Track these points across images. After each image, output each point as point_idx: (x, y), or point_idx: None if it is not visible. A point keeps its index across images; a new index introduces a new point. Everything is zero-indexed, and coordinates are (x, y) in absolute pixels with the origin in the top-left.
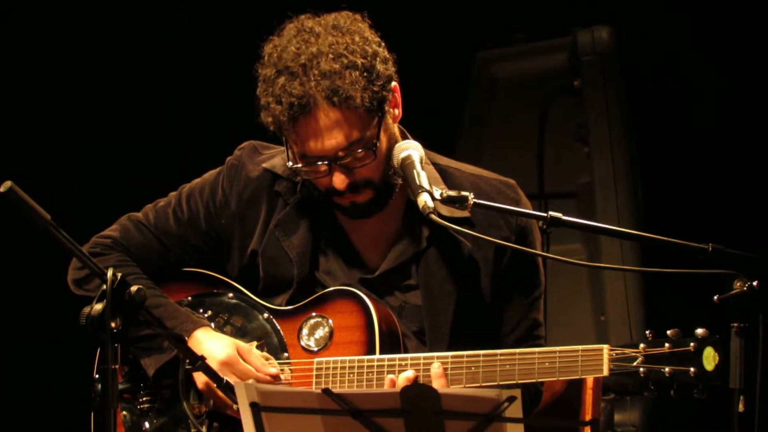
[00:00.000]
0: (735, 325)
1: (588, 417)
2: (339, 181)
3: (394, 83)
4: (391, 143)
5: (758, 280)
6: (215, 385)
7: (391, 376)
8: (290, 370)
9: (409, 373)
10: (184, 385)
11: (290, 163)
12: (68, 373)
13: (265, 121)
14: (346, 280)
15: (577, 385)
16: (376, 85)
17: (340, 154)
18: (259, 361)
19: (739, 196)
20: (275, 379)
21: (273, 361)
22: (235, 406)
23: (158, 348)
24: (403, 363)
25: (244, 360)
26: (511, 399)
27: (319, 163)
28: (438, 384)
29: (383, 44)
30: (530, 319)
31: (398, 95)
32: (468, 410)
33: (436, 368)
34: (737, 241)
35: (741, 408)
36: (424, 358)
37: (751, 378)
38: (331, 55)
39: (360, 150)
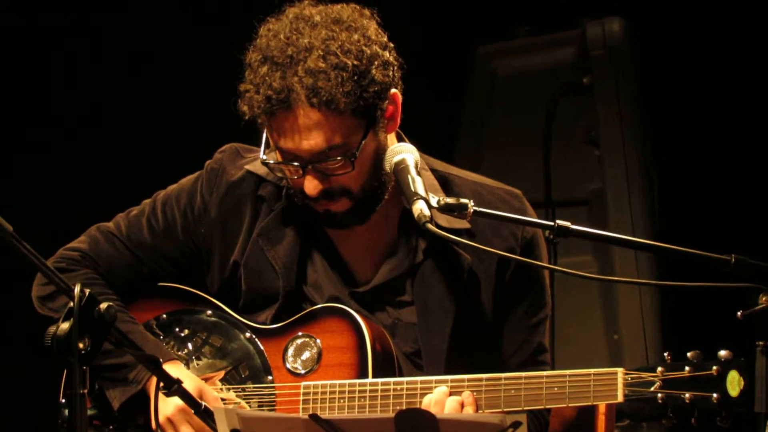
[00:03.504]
0: (761, 343)
1: None
2: (311, 186)
3: (393, 90)
4: (380, 153)
5: None
6: (192, 411)
7: (430, 395)
8: (275, 395)
9: (443, 389)
10: (156, 413)
11: (264, 156)
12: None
13: (242, 110)
14: (335, 295)
15: (589, 411)
16: (367, 92)
17: (316, 158)
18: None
19: (764, 203)
20: None
21: (232, 395)
22: None
23: (123, 380)
24: (399, 387)
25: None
26: (516, 425)
27: (294, 163)
28: (436, 410)
29: (390, 46)
30: (534, 342)
31: (398, 104)
32: None
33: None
34: (762, 252)
35: None
36: (422, 382)
37: None
38: (321, 52)
39: (339, 158)
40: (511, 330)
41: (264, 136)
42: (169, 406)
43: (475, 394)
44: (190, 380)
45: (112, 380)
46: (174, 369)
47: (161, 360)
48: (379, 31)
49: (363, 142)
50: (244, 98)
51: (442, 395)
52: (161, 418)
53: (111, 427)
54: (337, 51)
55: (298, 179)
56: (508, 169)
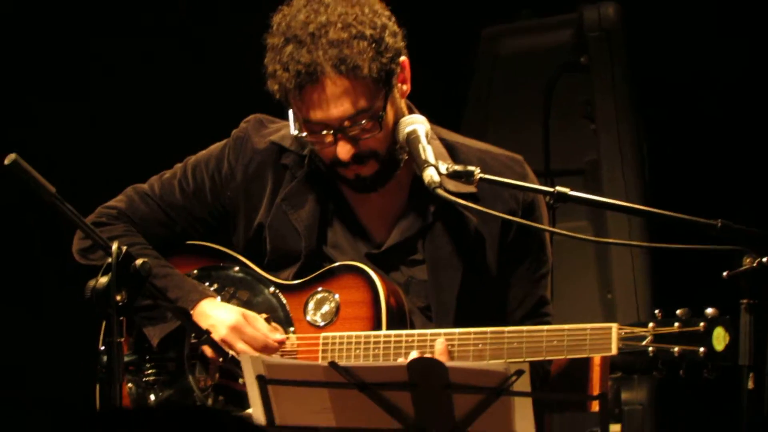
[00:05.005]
0: (744, 301)
1: (595, 393)
2: (344, 151)
3: (403, 57)
4: (397, 117)
5: None
6: (220, 359)
7: (402, 359)
8: (296, 345)
9: (413, 355)
10: (189, 359)
11: (295, 132)
12: (73, 345)
13: (272, 89)
14: (353, 255)
15: (584, 363)
16: (384, 57)
17: (346, 123)
18: (265, 327)
19: (747, 172)
20: (282, 345)
21: (279, 328)
22: (240, 380)
23: (162, 318)
24: (410, 339)
25: (251, 326)
26: (519, 373)
27: (324, 132)
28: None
29: (393, 18)
30: (537, 296)
31: (407, 70)
32: (476, 384)
33: (440, 344)
34: (746, 217)
35: (750, 385)
36: (431, 334)
37: (761, 355)
38: (339, 25)
39: (366, 120)
40: (514, 285)
41: (291, 114)
42: (221, 328)
43: (480, 345)
44: (229, 309)
45: (151, 319)
46: (212, 304)
47: (200, 298)
48: (382, 5)
49: (386, 104)
50: (274, 78)
51: (442, 346)
52: (223, 330)
53: (146, 372)
54: (353, 22)
55: (329, 148)
56: (511, 141)
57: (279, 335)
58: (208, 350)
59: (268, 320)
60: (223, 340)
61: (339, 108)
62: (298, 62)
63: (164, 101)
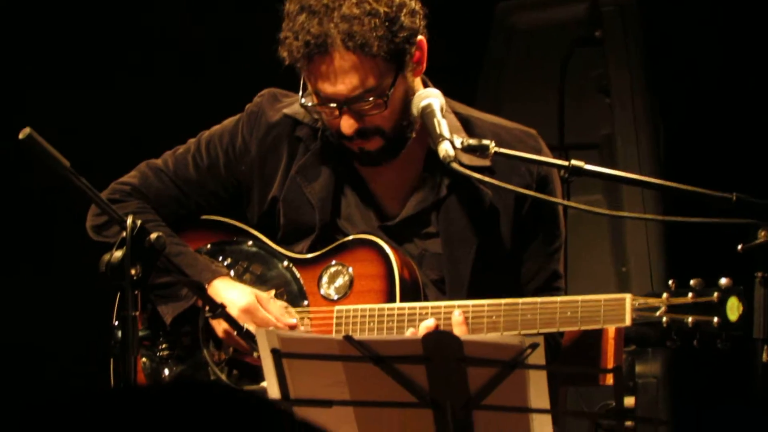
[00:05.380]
0: (759, 274)
1: (610, 366)
2: (347, 125)
3: (420, 37)
4: (408, 96)
5: None
6: (235, 333)
7: (411, 329)
8: (310, 318)
9: (429, 322)
10: (203, 333)
11: (303, 100)
12: (87, 320)
13: (282, 56)
14: (366, 228)
15: (597, 336)
16: (397, 36)
17: (352, 99)
18: (278, 310)
19: (761, 144)
20: (293, 328)
21: (291, 310)
22: (255, 354)
23: (176, 296)
24: (424, 311)
25: (263, 308)
26: (534, 346)
27: (331, 104)
28: (459, 331)
29: None
30: (549, 269)
31: (424, 49)
32: (490, 357)
33: (457, 316)
34: (761, 190)
35: (765, 358)
36: (445, 306)
37: None
38: (354, 0)
39: (372, 98)
40: (528, 258)
41: (302, 81)
42: (232, 309)
43: (494, 317)
44: (243, 290)
45: (164, 297)
46: (225, 283)
47: (213, 276)
48: None
49: (394, 84)
50: (284, 45)
51: (461, 318)
52: (219, 333)
53: (160, 346)
54: None
55: (335, 119)
56: (525, 115)
57: (291, 319)
58: (219, 329)
59: (278, 296)
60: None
61: (346, 83)
62: (309, 32)
63: (178, 75)
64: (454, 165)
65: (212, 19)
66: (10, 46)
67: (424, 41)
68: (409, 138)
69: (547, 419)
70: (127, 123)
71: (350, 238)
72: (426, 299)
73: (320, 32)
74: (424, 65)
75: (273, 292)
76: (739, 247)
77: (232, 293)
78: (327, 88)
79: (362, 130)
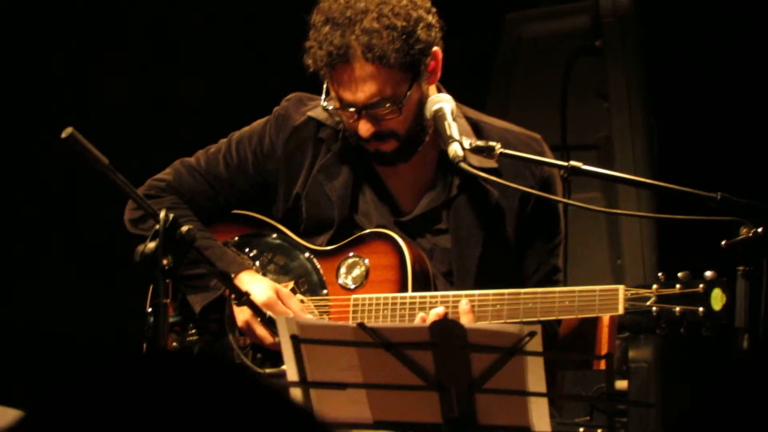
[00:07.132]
0: (741, 268)
1: (603, 353)
2: (364, 129)
3: (435, 48)
4: (422, 102)
5: (763, 226)
6: (259, 319)
7: (422, 314)
8: (329, 306)
9: (439, 310)
10: (229, 320)
11: (325, 103)
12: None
13: (307, 63)
14: (382, 223)
15: (594, 324)
16: (414, 49)
17: (369, 104)
18: (296, 305)
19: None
20: None
21: (309, 305)
22: (275, 339)
23: (205, 287)
24: (434, 300)
25: (282, 303)
26: (532, 334)
27: (350, 109)
28: (466, 319)
29: (433, 10)
30: (550, 264)
31: (438, 60)
32: (492, 344)
33: (465, 304)
34: (745, 191)
35: (745, 345)
36: (453, 296)
37: (756, 317)
38: (375, 14)
39: (388, 105)
40: (530, 254)
41: (325, 86)
42: (256, 299)
43: (498, 306)
44: (265, 284)
45: (194, 287)
46: (250, 276)
47: (238, 269)
48: None
49: (409, 92)
50: (309, 53)
51: (468, 306)
52: (239, 322)
53: (189, 332)
54: (388, 14)
55: (354, 123)
56: (531, 119)
57: (309, 315)
58: (240, 319)
59: (299, 285)
60: (247, 322)
61: (365, 91)
62: (332, 43)
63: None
64: (463, 164)
65: (246, 31)
66: (42, 42)
67: (439, 52)
68: (423, 140)
69: (543, 401)
70: (164, 122)
71: (367, 231)
72: (436, 290)
73: (342, 43)
74: (439, 74)
75: (291, 284)
76: (723, 243)
77: (254, 286)
78: (347, 94)
79: (378, 133)
